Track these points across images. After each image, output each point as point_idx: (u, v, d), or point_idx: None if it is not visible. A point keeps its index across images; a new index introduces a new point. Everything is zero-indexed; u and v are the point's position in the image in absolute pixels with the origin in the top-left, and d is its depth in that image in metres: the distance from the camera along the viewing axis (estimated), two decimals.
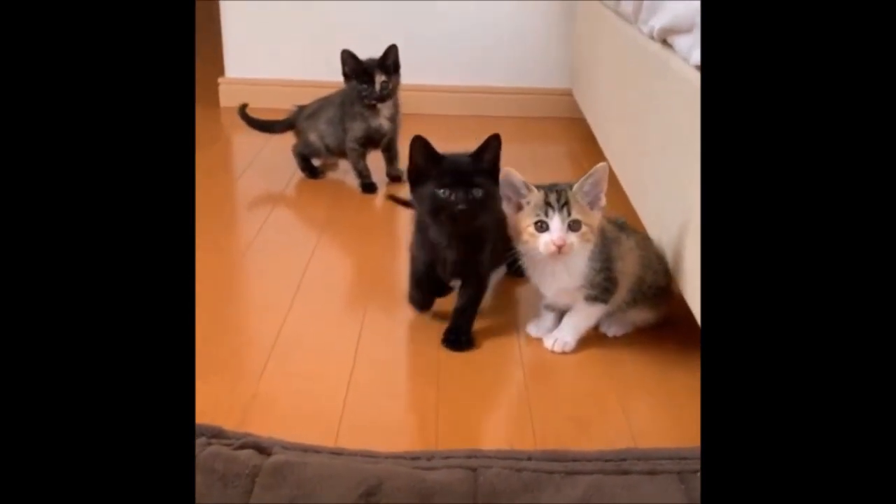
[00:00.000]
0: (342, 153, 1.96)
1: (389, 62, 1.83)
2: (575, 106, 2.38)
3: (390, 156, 1.98)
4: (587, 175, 1.16)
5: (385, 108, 1.88)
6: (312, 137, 1.97)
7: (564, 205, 1.14)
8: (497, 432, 1.08)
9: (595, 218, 1.17)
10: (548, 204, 1.14)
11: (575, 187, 1.16)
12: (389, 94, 1.85)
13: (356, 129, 1.89)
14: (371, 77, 1.82)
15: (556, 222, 1.14)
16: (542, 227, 1.15)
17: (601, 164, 1.18)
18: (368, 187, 1.92)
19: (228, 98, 2.59)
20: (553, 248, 1.13)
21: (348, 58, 1.83)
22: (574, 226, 1.14)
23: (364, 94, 1.83)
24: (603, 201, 1.18)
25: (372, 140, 1.92)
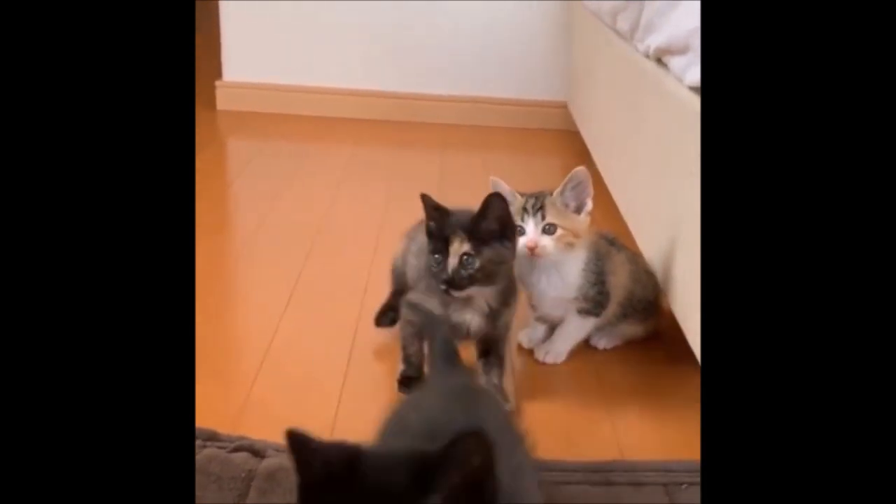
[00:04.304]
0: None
1: (486, 224, 1.06)
2: (570, 119, 2.41)
3: (488, 362, 1.16)
4: (566, 180, 1.19)
5: (485, 294, 1.11)
6: (399, 250, 1.33)
7: (539, 209, 1.18)
8: None
9: (579, 222, 1.20)
10: (524, 210, 1.18)
11: (555, 193, 1.19)
12: (472, 279, 1.06)
13: (427, 304, 1.14)
14: (446, 248, 1.06)
15: (529, 226, 1.18)
16: (520, 231, 1.18)
17: (579, 167, 1.20)
18: (405, 384, 1.15)
19: (225, 101, 2.60)
20: (526, 250, 1.17)
21: (430, 209, 1.10)
22: (549, 229, 1.17)
23: (435, 270, 1.08)
24: (589, 206, 1.21)
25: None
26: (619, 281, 1.26)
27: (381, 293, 1.46)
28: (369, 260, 1.61)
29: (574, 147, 2.35)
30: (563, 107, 2.51)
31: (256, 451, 0.96)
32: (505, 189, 1.20)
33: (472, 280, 1.07)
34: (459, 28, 2.55)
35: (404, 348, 1.18)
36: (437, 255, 1.08)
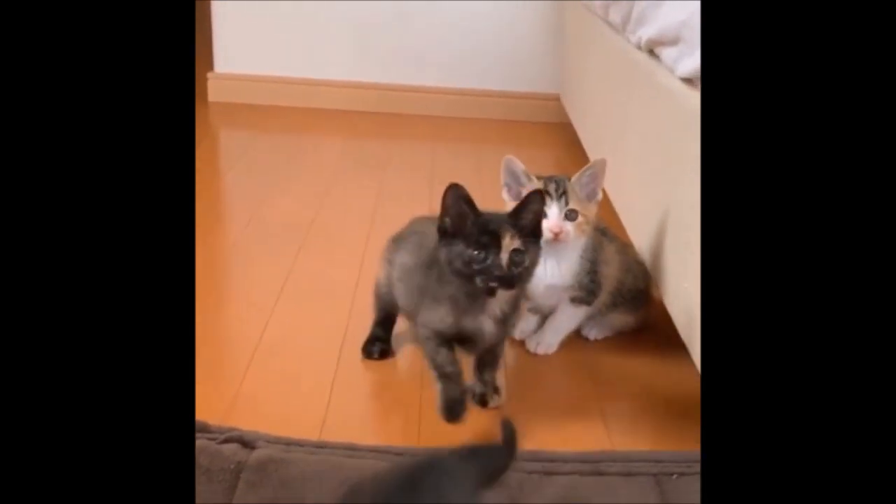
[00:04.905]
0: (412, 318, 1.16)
1: (527, 220, 1.01)
2: (562, 111, 2.41)
3: (482, 360, 1.13)
4: (586, 168, 1.19)
5: (501, 299, 1.03)
6: (382, 275, 1.24)
7: (562, 194, 1.17)
8: (479, 430, 1.10)
9: (591, 210, 1.20)
10: (546, 193, 1.17)
11: (573, 179, 1.19)
12: (522, 276, 1.01)
13: (433, 315, 1.07)
14: (496, 240, 0.99)
15: (553, 210, 1.17)
16: None
17: (600, 158, 1.20)
18: (453, 409, 1.07)
19: (217, 93, 2.59)
20: (550, 235, 1.16)
21: (455, 200, 1.00)
22: (570, 215, 1.17)
23: (478, 267, 0.99)
24: (599, 195, 1.21)
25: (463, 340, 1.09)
26: (611, 271, 1.26)
27: (371, 288, 1.46)
28: (361, 254, 1.61)
29: (567, 139, 2.35)
30: (556, 99, 2.51)
31: (247, 443, 0.96)
32: (519, 168, 1.20)
33: (520, 278, 1.00)
34: (452, 20, 2.55)
35: (437, 367, 1.07)
36: (477, 252, 0.98)
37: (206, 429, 0.99)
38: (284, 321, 1.33)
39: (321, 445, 0.98)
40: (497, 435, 0.87)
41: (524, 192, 1.19)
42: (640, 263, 1.30)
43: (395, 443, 1.03)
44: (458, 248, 0.99)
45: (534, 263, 1.02)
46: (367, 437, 1.03)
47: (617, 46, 1.62)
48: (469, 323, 1.04)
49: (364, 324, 1.28)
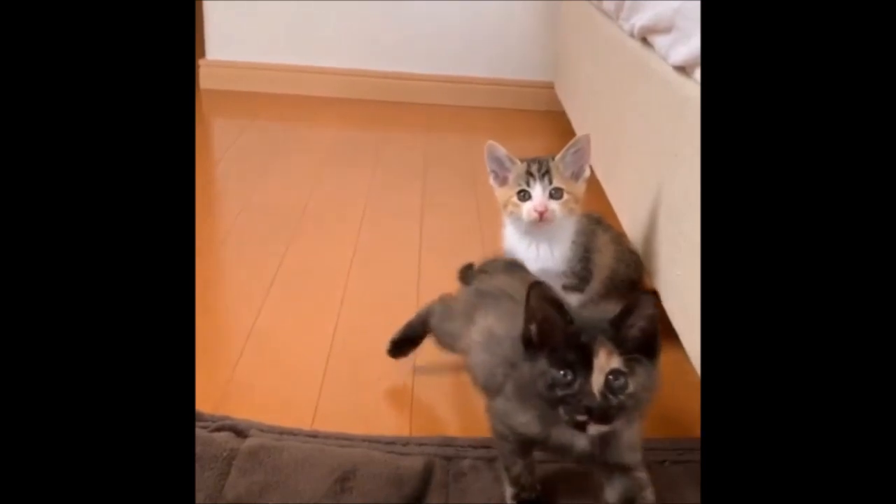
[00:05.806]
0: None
1: (635, 329, 0.78)
2: (556, 99, 2.40)
3: (618, 482, 0.86)
4: (569, 144, 1.19)
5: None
6: (463, 344, 1.02)
7: (545, 174, 1.17)
8: (470, 421, 1.10)
9: (579, 188, 1.20)
10: (529, 174, 1.17)
11: (557, 157, 1.19)
12: (624, 405, 0.76)
13: (515, 415, 0.86)
14: (587, 362, 0.76)
15: (537, 190, 1.17)
16: (524, 196, 1.18)
17: (584, 134, 1.20)
18: None
19: (209, 80, 2.58)
20: (535, 215, 1.16)
21: (540, 302, 0.78)
22: (555, 193, 1.17)
23: (562, 394, 0.76)
24: (587, 172, 1.21)
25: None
26: (604, 260, 1.26)
27: (365, 276, 1.45)
28: (353, 242, 1.60)
29: (560, 128, 2.34)
30: (550, 87, 2.51)
31: (239, 431, 0.96)
32: (502, 153, 1.20)
33: (620, 409, 0.75)
34: (445, 7, 2.53)
35: (507, 469, 0.89)
36: (563, 374, 0.76)
37: (199, 417, 0.99)
38: (277, 309, 1.33)
39: (313, 434, 0.98)
40: None
41: (510, 177, 1.19)
42: (633, 253, 1.30)
43: (388, 432, 1.03)
44: (541, 364, 0.78)
45: (645, 388, 0.77)
46: (359, 426, 1.04)
47: (610, 34, 1.61)
48: (558, 436, 0.83)
49: (356, 313, 1.28)
